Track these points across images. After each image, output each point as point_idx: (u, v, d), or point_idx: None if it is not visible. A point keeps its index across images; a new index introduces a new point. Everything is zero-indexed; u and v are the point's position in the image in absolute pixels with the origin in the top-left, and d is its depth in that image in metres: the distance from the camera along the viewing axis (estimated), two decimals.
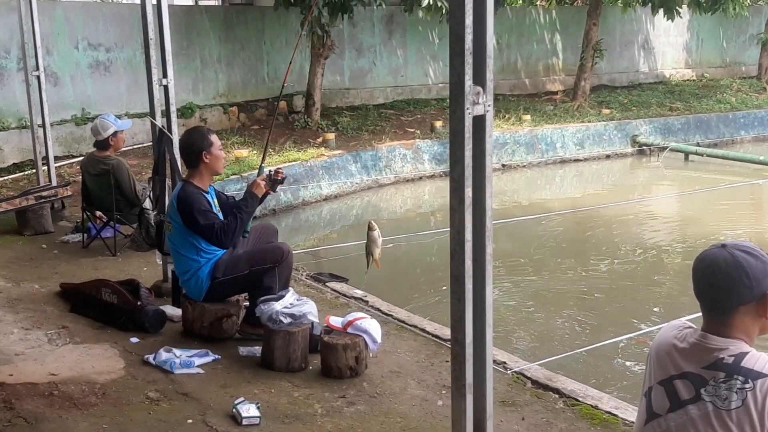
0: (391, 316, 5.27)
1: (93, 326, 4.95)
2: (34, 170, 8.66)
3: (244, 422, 3.71)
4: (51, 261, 6.46)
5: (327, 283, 5.94)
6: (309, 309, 4.47)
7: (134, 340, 4.71)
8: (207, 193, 4.76)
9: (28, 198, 7.29)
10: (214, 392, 4.07)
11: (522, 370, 4.41)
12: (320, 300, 5.54)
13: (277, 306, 4.39)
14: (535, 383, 4.28)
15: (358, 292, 5.74)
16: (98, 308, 5.10)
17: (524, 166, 13.96)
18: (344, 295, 5.70)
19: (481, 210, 3.28)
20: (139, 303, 4.91)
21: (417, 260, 8.67)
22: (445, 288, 7.04)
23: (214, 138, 4.79)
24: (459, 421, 3.31)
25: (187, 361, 4.36)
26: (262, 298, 4.53)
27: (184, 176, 4.91)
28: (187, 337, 4.78)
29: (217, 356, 4.49)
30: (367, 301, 5.55)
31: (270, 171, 4.92)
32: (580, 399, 4.06)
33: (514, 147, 13.94)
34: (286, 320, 4.36)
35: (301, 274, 6.16)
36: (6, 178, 9.47)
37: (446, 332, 4.93)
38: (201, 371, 4.31)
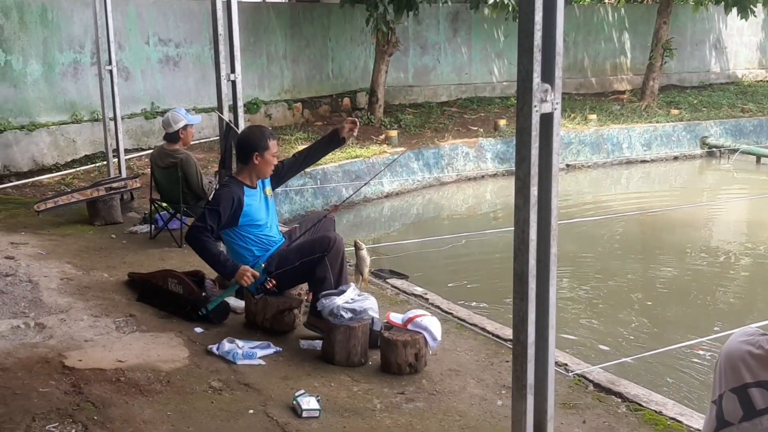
0: (450, 314, 5.26)
1: (159, 315, 5.06)
2: (105, 162, 8.91)
3: (304, 414, 3.74)
4: (119, 251, 6.63)
5: (387, 280, 5.96)
6: (370, 305, 4.48)
7: (198, 330, 4.80)
8: (253, 188, 4.82)
9: (99, 189, 7.50)
10: (275, 384, 4.12)
11: (584, 373, 4.34)
12: (380, 296, 5.55)
13: (339, 301, 4.42)
14: (597, 386, 4.21)
15: (419, 290, 5.74)
16: (164, 298, 5.21)
17: (589, 167, 13.75)
18: (404, 291, 5.70)
19: (546, 209, 3.24)
20: (203, 294, 5.00)
21: (478, 259, 8.63)
22: (506, 288, 6.99)
23: (272, 143, 4.81)
24: (519, 422, 3.28)
25: (250, 352, 4.43)
26: (324, 293, 4.56)
27: (233, 172, 4.98)
28: (250, 328, 4.85)
29: (278, 348, 4.54)
30: (427, 299, 5.54)
31: (267, 277, 4.74)
32: (644, 404, 3.98)
33: (579, 147, 13.74)
34: (347, 315, 4.39)
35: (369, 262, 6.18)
36: (78, 169, 9.77)
37: (507, 332, 4.89)
38: (262, 363, 4.37)
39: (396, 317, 4.48)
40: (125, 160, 8.73)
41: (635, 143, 14.39)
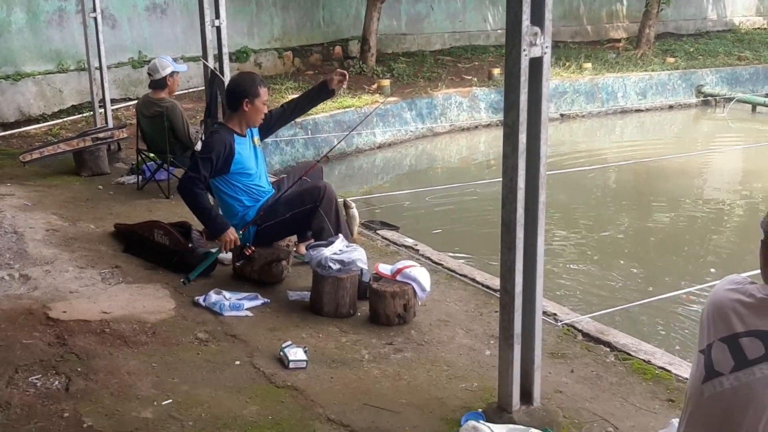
0: (441, 265, 5.21)
1: (145, 267, 5.01)
2: (91, 112, 8.75)
3: (291, 365, 3.71)
4: (106, 202, 6.55)
5: (378, 231, 5.90)
6: (358, 256, 4.43)
7: (189, 274, 4.74)
8: (243, 136, 4.72)
9: (85, 139, 7.39)
10: (262, 335, 4.09)
11: (573, 323, 4.31)
12: (371, 247, 5.51)
13: (326, 252, 4.36)
14: (586, 336, 4.19)
15: (409, 241, 5.69)
16: (150, 249, 5.15)
17: (583, 116, 13.63)
18: (395, 243, 5.65)
19: (535, 157, 3.17)
20: (190, 245, 4.94)
21: (470, 210, 8.57)
22: (498, 238, 6.94)
23: (263, 90, 4.70)
24: (506, 371, 3.26)
25: (237, 303, 4.38)
26: (312, 244, 4.51)
27: (222, 119, 4.89)
28: (237, 280, 4.80)
29: (266, 300, 4.50)
30: (417, 250, 5.49)
31: (248, 243, 4.69)
32: (632, 353, 3.96)
33: (573, 96, 13.59)
34: (335, 266, 4.33)
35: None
36: (65, 119, 9.62)
37: (496, 282, 4.83)
38: (250, 314, 4.33)
39: (385, 268, 4.44)
40: (112, 110, 8.59)
41: (630, 92, 14.25)
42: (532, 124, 3.13)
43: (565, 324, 4.30)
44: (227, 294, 4.49)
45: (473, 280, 4.95)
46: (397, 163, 11.29)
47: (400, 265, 4.42)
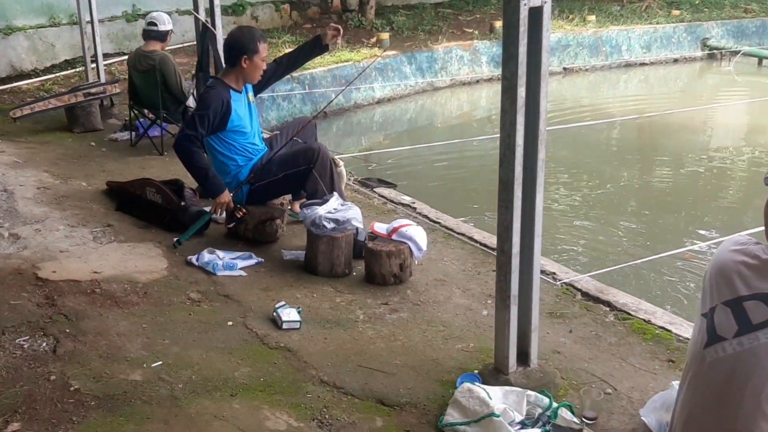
0: (438, 223, 5.12)
1: (138, 225, 4.92)
2: (84, 67, 8.57)
3: (285, 326, 3.64)
4: (99, 159, 6.44)
5: (375, 189, 5.79)
6: (353, 214, 4.33)
7: (181, 235, 4.65)
8: (239, 92, 4.59)
9: (77, 95, 7.24)
10: (256, 295, 4.01)
11: (572, 282, 4.24)
12: (367, 206, 5.41)
13: (321, 211, 4.27)
14: (585, 295, 4.11)
15: (407, 199, 5.59)
16: (143, 207, 5.06)
17: (587, 70, 13.39)
18: (392, 201, 5.55)
19: (534, 112, 3.05)
20: (182, 203, 4.84)
21: (470, 166, 8.43)
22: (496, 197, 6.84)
23: (262, 47, 4.54)
24: (503, 332, 3.18)
25: (230, 263, 4.30)
26: (306, 203, 4.41)
27: (219, 74, 4.74)
28: (231, 239, 4.72)
29: (260, 259, 4.42)
30: (414, 208, 5.40)
31: (239, 205, 4.58)
32: (632, 313, 3.89)
33: (576, 49, 13.35)
34: (330, 225, 4.24)
35: (349, 179, 6.00)
36: (58, 74, 9.44)
37: (495, 241, 4.75)
38: (243, 274, 4.25)
39: (380, 227, 4.34)
40: (105, 64, 8.41)
41: (634, 45, 13.99)
42: (531, 77, 3.00)
43: (563, 283, 4.23)
44: (221, 253, 4.41)
45: (471, 238, 4.86)
46: (396, 118, 11.13)
47: (396, 224, 4.32)
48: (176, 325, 3.65)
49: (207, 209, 4.81)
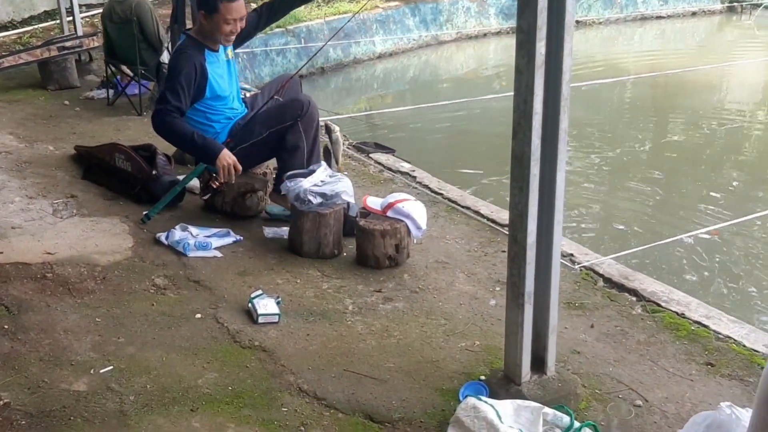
0: (440, 194, 4.59)
1: (104, 197, 4.40)
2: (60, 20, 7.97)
3: (261, 320, 3.15)
4: (71, 119, 5.90)
5: (371, 154, 5.25)
6: (343, 188, 3.80)
7: (151, 209, 4.13)
8: (214, 51, 4.00)
9: (50, 49, 6.67)
10: (231, 281, 3.51)
11: (592, 265, 3.72)
12: (362, 174, 4.89)
13: (306, 183, 3.74)
14: (608, 282, 3.60)
15: (405, 166, 5.05)
16: (111, 176, 4.54)
17: (600, 23, 12.70)
18: (389, 168, 5.01)
19: (556, 71, 2.50)
20: (154, 172, 4.32)
21: (476, 130, 7.82)
22: (506, 164, 6.26)
23: (225, 6, 3.82)
24: (514, 335, 2.68)
25: (204, 242, 3.79)
26: (289, 173, 3.88)
27: (191, 30, 4.13)
28: (208, 212, 4.21)
29: (238, 237, 3.91)
30: (414, 177, 4.86)
31: (215, 174, 3.98)
32: (663, 304, 3.38)
33: (590, 1, 12.63)
34: (316, 200, 3.72)
35: (344, 143, 5.45)
36: (36, 27, 8.82)
37: (504, 216, 4.24)
38: (218, 255, 3.75)
39: (374, 202, 3.82)
40: (85, 17, 7.81)
41: None
42: (553, 29, 2.46)
43: (583, 267, 3.71)
44: (194, 230, 3.90)
45: (477, 212, 4.34)
46: (398, 74, 10.51)
47: (391, 198, 3.79)
48: (135, 319, 3.15)
49: (180, 178, 4.28)
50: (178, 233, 3.85)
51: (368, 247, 3.67)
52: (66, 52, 6.70)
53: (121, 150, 4.51)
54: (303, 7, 9.77)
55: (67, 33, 7.45)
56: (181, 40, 4.04)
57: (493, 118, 7.73)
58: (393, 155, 5.32)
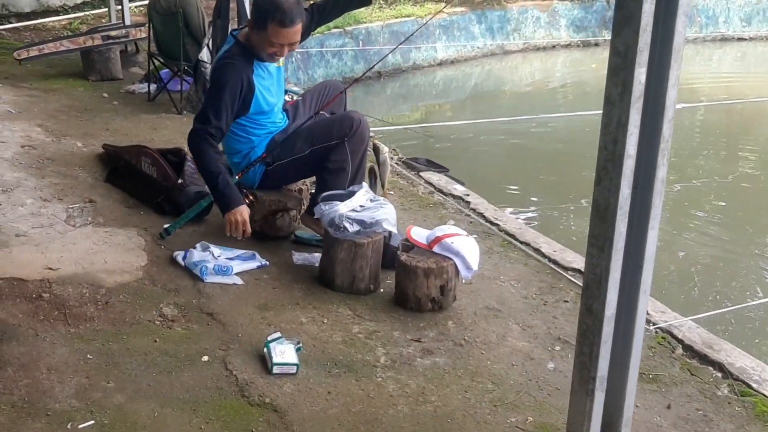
0: (496, 225, 4.07)
1: (125, 204, 4.01)
2: (107, 7, 7.65)
3: (275, 370, 2.69)
4: (107, 114, 5.55)
5: (422, 173, 4.76)
6: (385, 215, 3.32)
7: (171, 224, 3.71)
8: (264, 62, 3.51)
9: (94, 37, 6.35)
10: (249, 315, 3.06)
11: (670, 328, 3.17)
12: (410, 195, 4.41)
13: (342, 208, 3.27)
14: (689, 350, 3.05)
15: (459, 189, 4.54)
16: (136, 181, 4.15)
17: None
18: (441, 191, 4.52)
19: (657, 106, 1.96)
20: (180, 181, 3.90)
21: (539, 150, 7.20)
22: (571, 190, 5.72)
23: (273, 28, 3.31)
24: (579, 425, 2.16)
25: (224, 266, 3.35)
26: (325, 195, 3.41)
27: (241, 32, 3.64)
28: None
29: (264, 262, 3.47)
30: (468, 202, 4.35)
31: (245, 190, 3.59)
32: (755, 385, 2.81)
33: None
34: (353, 228, 3.25)
35: (393, 159, 4.97)
36: (87, 13, 8.55)
37: (568, 257, 3.72)
38: (239, 282, 3.30)
39: (419, 234, 3.33)
40: (131, 6, 7.47)
41: (733, 17, 12.47)
42: (656, 53, 1.93)
43: (659, 329, 3.16)
44: (216, 250, 3.47)
45: (537, 251, 3.81)
46: (459, 83, 10.00)
47: (439, 232, 3.30)
48: (132, 358, 2.72)
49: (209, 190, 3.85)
50: (197, 254, 3.42)
51: (409, 287, 3.19)
52: (110, 41, 6.38)
53: (148, 153, 4.11)
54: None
55: (114, 21, 7.13)
56: (228, 45, 3.54)
57: (558, 137, 7.18)
58: (446, 174, 4.82)
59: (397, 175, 4.71)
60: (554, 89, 10.11)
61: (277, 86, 3.66)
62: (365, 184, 3.49)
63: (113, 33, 6.44)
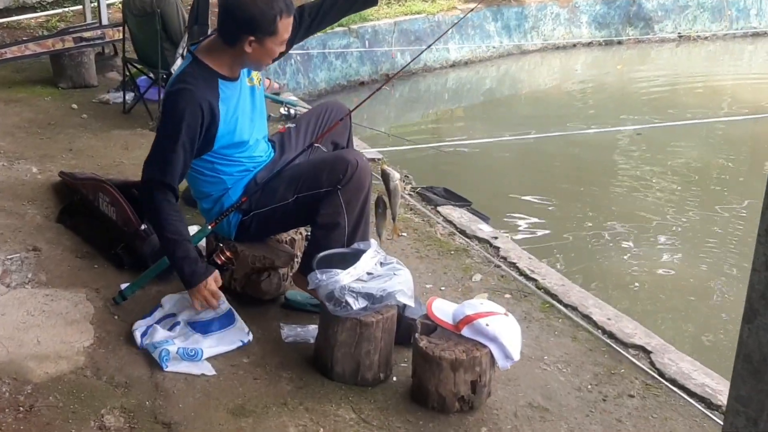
0: (533, 281, 3.32)
1: (77, 253, 3.26)
2: (93, 3, 6.89)
3: None
4: (73, 129, 4.81)
5: (439, 207, 4.00)
6: (399, 285, 2.56)
7: (129, 284, 2.96)
8: (233, 80, 2.74)
9: (65, 39, 5.60)
10: (219, 426, 2.32)
11: None
12: (426, 237, 3.66)
13: (345, 278, 2.52)
14: None
15: (485, 230, 3.77)
16: (92, 223, 3.40)
17: (706, 38, 11.16)
18: (463, 231, 3.75)
19: None
20: (143, 227, 3.15)
21: (571, 166, 6.37)
22: (624, 227, 4.94)
23: (283, 24, 2.61)
24: None
25: (191, 349, 2.60)
26: (321, 256, 2.66)
27: (201, 45, 2.85)
28: None
29: (245, 338, 2.72)
30: (497, 248, 3.59)
31: (220, 244, 2.83)
32: None
33: (696, 12, 11.11)
34: (358, 304, 2.50)
35: (405, 189, 4.21)
36: (66, 9, 7.75)
37: (626, 328, 2.98)
38: (209, 372, 2.55)
39: (444, 311, 2.57)
40: (108, 3, 6.70)
41: (766, 10, 11.64)
42: None
43: None
44: (184, 316, 2.73)
45: (587, 317, 3.06)
46: (472, 86, 9.23)
47: (469, 309, 2.53)
48: None
49: None
50: (160, 331, 2.68)
51: (431, 381, 2.44)
52: (84, 44, 5.62)
53: (107, 190, 3.36)
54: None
55: (90, 21, 6.37)
56: (185, 64, 2.77)
57: (579, 149, 6.39)
58: (468, 209, 4.07)
59: (411, 210, 3.95)
60: (573, 91, 9.28)
61: (252, 110, 2.87)
62: (374, 242, 2.73)
63: (87, 34, 5.68)
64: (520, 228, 4.83)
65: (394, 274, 2.60)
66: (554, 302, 3.14)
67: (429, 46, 3.76)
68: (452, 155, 5.95)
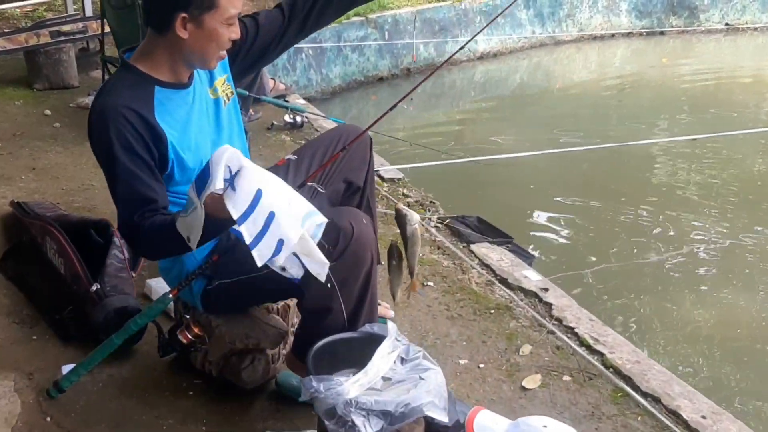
0: (599, 354, 2.56)
1: (15, 317, 2.56)
2: None
3: None
4: (41, 142, 4.12)
5: (472, 246, 3.24)
6: (426, 394, 1.82)
7: (69, 369, 2.24)
8: (183, 87, 2.01)
9: (40, 33, 4.90)
10: None
11: None
12: (457, 287, 2.93)
13: (352, 389, 1.78)
14: None
15: (532, 278, 3.00)
16: (38, 273, 2.70)
17: (756, 29, 10.24)
18: (504, 281, 2.99)
19: None
20: (94, 288, 2.43)
21: (620, 177, 5.51)
22: (680, 253, 4.07)
23: None
24: None
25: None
26: (319, 346, 1.93)
27: (137, 49, 2.09)
28: (177, 374, 2.31)
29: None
30: (548, 304, 2.83)
31: (186, 316, 2.17)
32: None
33: (745, 1, 10.19)
34: (370, 426, 1.76)
35: (431, 216, 3.47)
36: None
37: (723, 424, 2.22)
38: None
39: (490, 426, 1.84)
40: None
41: None
42: None
43: None
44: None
45: (674, 413, 2.30)
46: (501, 79, 8.43)
47: (526, 426, 1.80)
48: None
49: (138, 304, 2.40)
50: None
51: None
52: (62, 38, 4.93)
53: (53, 235, 2.65)
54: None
55: (71, 12, 5.66)
56: (110, 81, 2.05)
57: (610, 159, 5.58)
58: (509, 247, 3.31)
59: (438, 248, 3.21)
60: (610, 85, 8.40)
61: (217, 130, 2.12)
62: (392, 327, 2.00)
63: (66, 28, 4.98)
64: (551, 246, 4.10)
65: (420, 378, 1.86)
66: (629, 389, 2.39)
67: (469, 41, 2.93)
68: (475, 167, 5.15)
